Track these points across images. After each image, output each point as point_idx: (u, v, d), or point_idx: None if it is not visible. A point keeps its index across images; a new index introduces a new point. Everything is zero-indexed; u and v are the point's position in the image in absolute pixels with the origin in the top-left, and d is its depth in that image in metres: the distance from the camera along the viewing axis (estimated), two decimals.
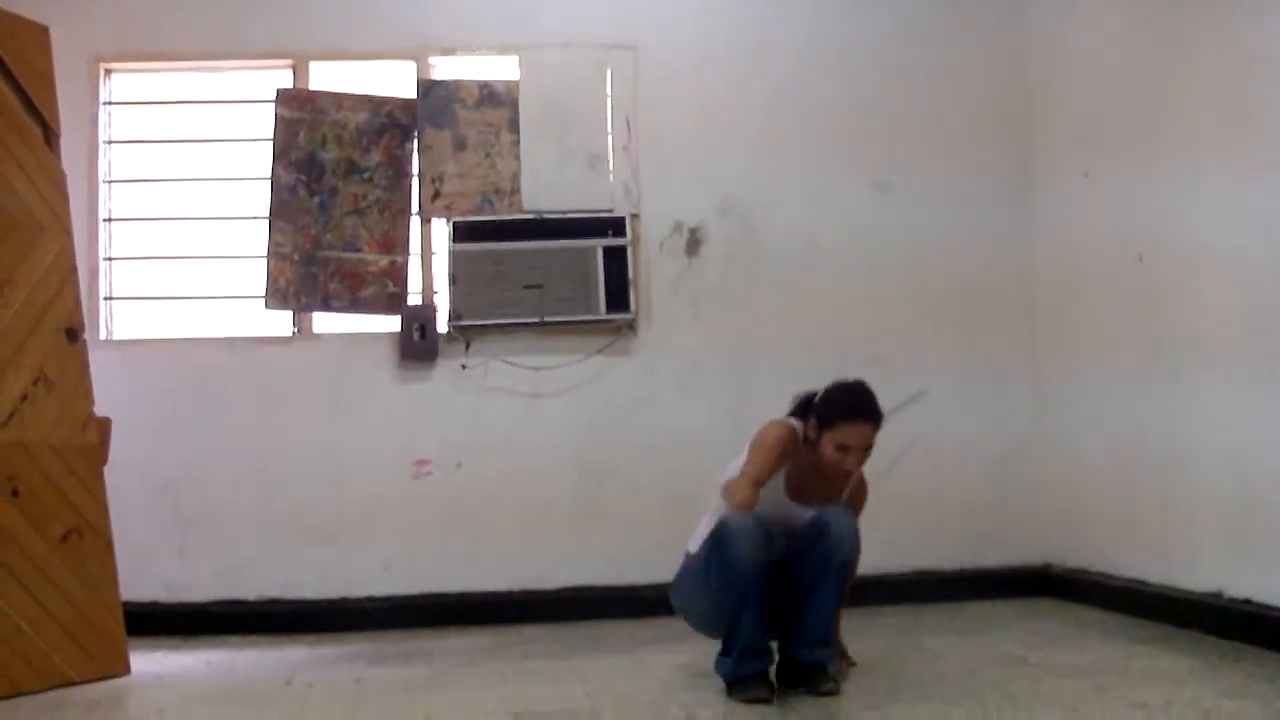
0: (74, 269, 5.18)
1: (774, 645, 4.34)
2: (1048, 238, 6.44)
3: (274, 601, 6.13)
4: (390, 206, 6.34)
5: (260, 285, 6.25)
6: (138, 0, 6.34)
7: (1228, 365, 5.04)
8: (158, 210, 6.37)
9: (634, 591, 6.17)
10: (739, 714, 4.06)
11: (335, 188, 6.30)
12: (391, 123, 6.37)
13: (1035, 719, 3.85)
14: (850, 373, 4.47)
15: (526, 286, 6.27)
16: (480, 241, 6.29)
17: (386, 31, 6.44)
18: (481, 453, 6.29)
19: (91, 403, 5.12)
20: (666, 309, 6.42)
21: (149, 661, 5.25)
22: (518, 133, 6.39)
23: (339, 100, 6.36)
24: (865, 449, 4.31)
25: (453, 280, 6.26)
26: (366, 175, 6.33)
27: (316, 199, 6.29)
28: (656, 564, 6.01)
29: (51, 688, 4.70)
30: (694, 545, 4.54)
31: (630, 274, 6.34)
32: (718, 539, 4.25)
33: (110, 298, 6.30)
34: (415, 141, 6.38)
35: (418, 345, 6.26)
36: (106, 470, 5.14)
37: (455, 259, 6.27)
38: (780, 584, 4.29)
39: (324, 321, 6.39)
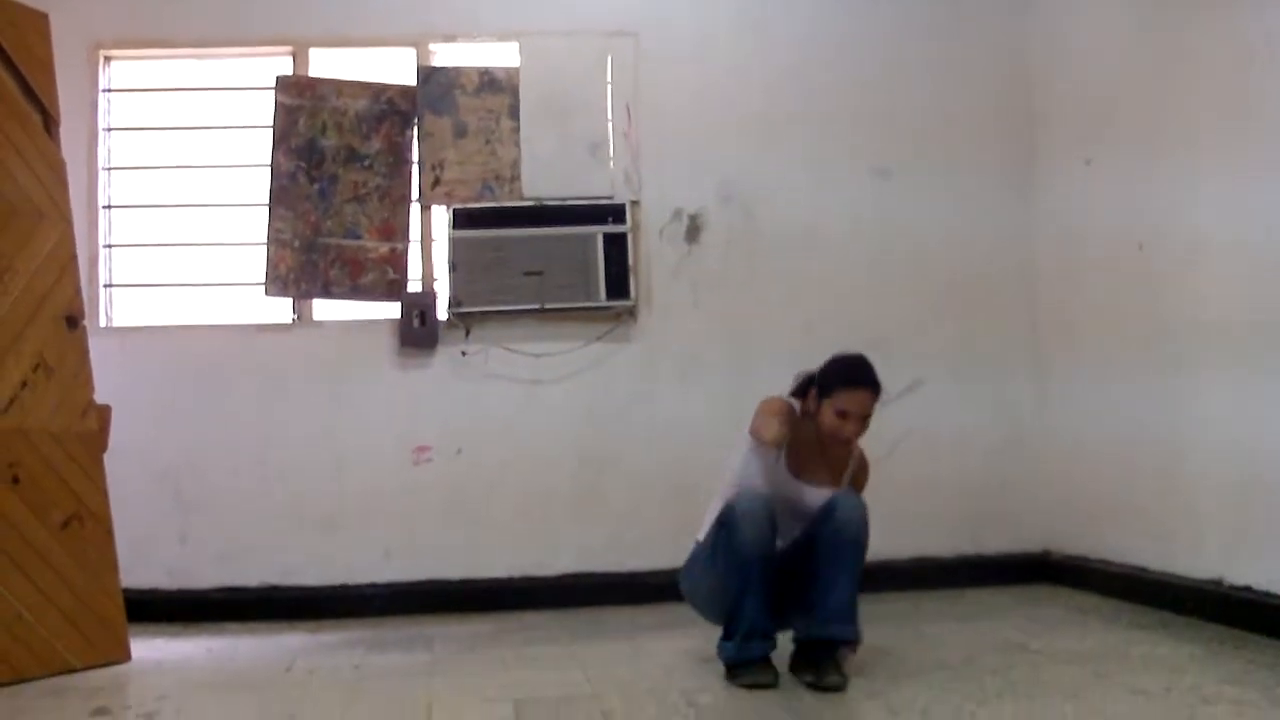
0: (74, 256, 5.18)
1: (778, 638, 4.33)
2: (1049, 226, 6.44)
3: (274, 588, 6.14)
4: (390, 193, 6.34)
5: (260, 272, 6.25)
6: None
7: (1228, 353, 5.04)
8: (157, 197, 6.36)
9: (635, 577, 6.19)
10: (740, 699, 4.07)
11: (335, 175, 6.30)
12: (391, 109, 6.37)
13: (1035, 705, 3.85)
14: None
15: (527, 273, 6.27)
16: (480, 228, 6.29)
17: (386, 18, 6.43)
18: (482, 439, 6.29)
19: (91, 390, 5.12)
20: (667, 296, 6.42)
21: (150, 648, 5.26)
22: (518, 119, 6.38)
23: (339, 87, 6.35)
24: (863, 417, 4.34)
25: (453, 267, 6.26)
26: (366, 162, 6.33)
27: (316, 186, 6.29)
28: (657, 550, 6.06)
29: (52, 674, 4.71)
30: (702, 534, 4.56)
31: (630, 261, 6.34)
32: (724, 523, 4.32)
33: (110, 285, 6.30)
34: (415, 128, 6.37)
35: (418, 332, 6.25)
36: (107, 457, 5.14)
37: (455, 246, 6.27)
38: (793, 572, 4.30)
39: (324, 308, 6.39)
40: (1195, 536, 5.27)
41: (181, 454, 6.14)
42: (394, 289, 6.29)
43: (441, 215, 6.36)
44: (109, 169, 6.32)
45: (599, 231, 6.33)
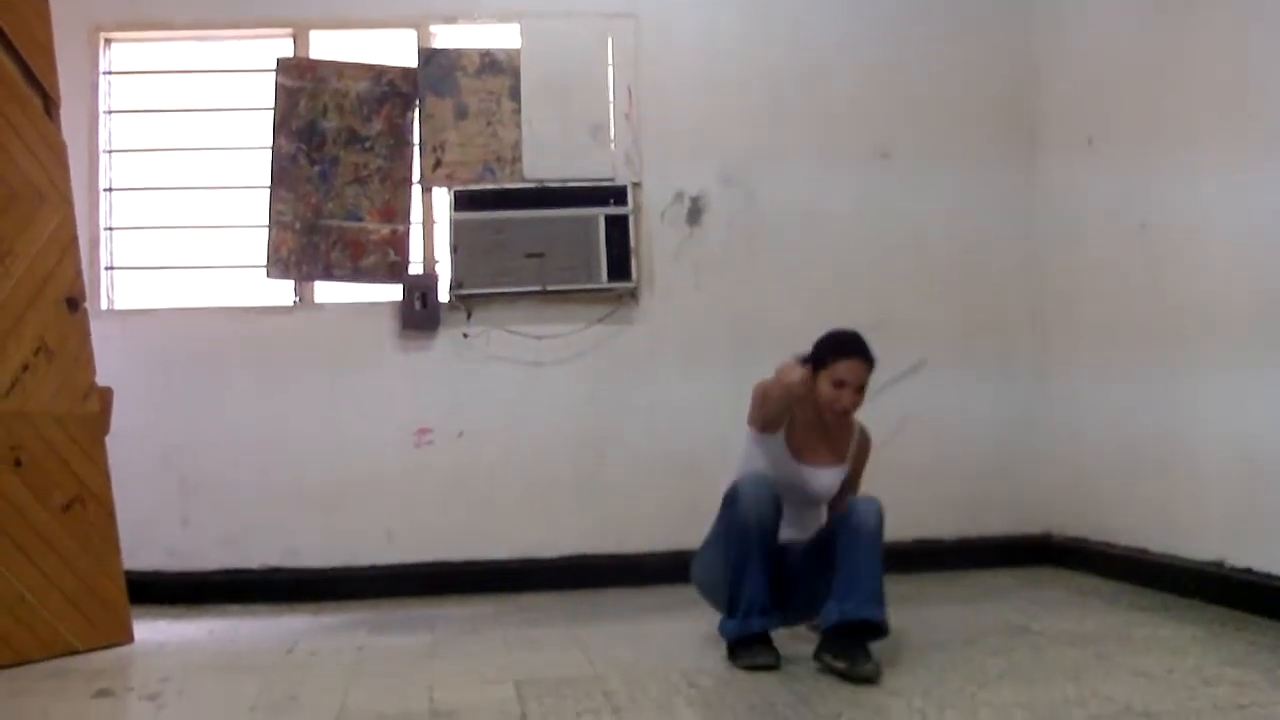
0: (74, 239, 5.18)
1: (777, 638, 4.34)
2: (1051, 206, 6.42)
3: (276, 570, 6.15)
4: (391, 175, 6.33)
5: (261, 255, 6.24)
6: None
7: (1232, 335, 5.03)
8: (158, 180, 6.35)
9: (636, 559, 6.19)
10: (741, 680, 4.07)
11: (336, 157, 6.29)
12: (392, 91, 6.36)
13: (1036, 687, 3.86)
14: None
15: (528, 255, 6.27)
16: (482, 210, 6.28)
17: (387, 0, 6.42)
18: (483, 422, 6.29)
19: (93, 372, 5.13)
20: (668, 278, 6.42)
21: (152, 630, 5.27)
22: (519, 101, 6.37)
23: (340, 69, 6.34)
24: (859, 387, 4.41)
25: (454, 249, 6.25)
26: (367, 144, 6.32)
27: (317, 168, 6.28)
28: (658, 531, 6.08)
29: (55, 656, 4.72)
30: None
31: (632, 243, 6.33)
32: (728, 500, 4.38)
33: (111, 267, 6.30)
34: (416, 110, 6.36)
35: (419, 314, 6.25)
36: (109, 440, 5.15)
37: (457, 228, 6.26)
38: (808, 574, 4.32)
39: (325, 291, 6.39)
40: (1197, 519, 5.27)
41: (183, 436, 6.15)
42: (395, 271, 6.29)
43: (443, 197, 6.35)
44: (110, 151, 6.31)
45: (600, 213, 6.32)
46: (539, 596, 5.98)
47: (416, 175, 6.36)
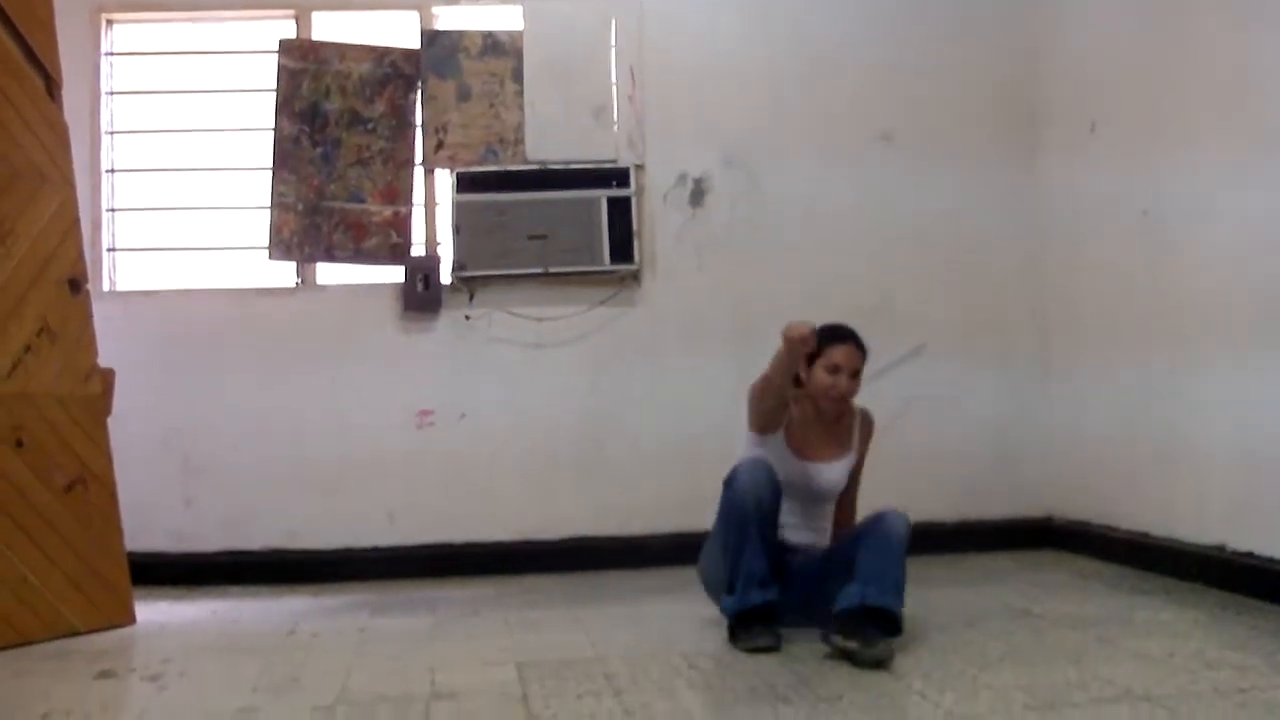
0: (76, 220, 5.17)
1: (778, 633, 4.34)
2: (1053, 192, 6.41)
3: (278, 551, 6.15)
4: (394, 157, 6.32)
5: (263, 236, 6.24)
6: None
7: (1234, 321, 5.02)
8: (160, 161, 6.34)
9: (637, 541, 6.20)
10: (742, 661, 4.08)
11: (338, 138, 6.28)
12: (395, 73, 6.34)
13: (1037, 670, 3.86)
14: (854, 323, 4.60)
15: (530, 237, 6.26)
16: (484, 192, 6.27)
17: None
18: (485, 403, 6.29)
19: (95, 354, 5.13)
20: (670, 260, 6.41)
21: (154, 611, 5.28)
22: (522, 83, 6.36)
23: (342, 50, 6.32)
24: (854, 372, 4.48)
25: (456, 231, 6.25)
26: (370, 126, 6.31)
27: (320, 150, 6.27)
28: (660, 514, 6.09)
29: (57, 637, 4.73)
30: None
31: (634, 225, 6.33)
32: (726, 485, 4.40)
33: (113, 249, 6.29)
34: (419, 92, 6.35)
35: (421, 296, 6.25)
36: (110, 421, 5.15)
37: (459, 210, 6.26)
38: (832, 573, 4.29)
39: (327, 272, 6.38)
40: (1198, 503, 5.27)
41: (185, 418, 6.15)
42: (397, 253, 6.28)
43: (445, 179, 6.34)
44: (112, 133, 6.30)
45: (603, 195, 6.31)
46: (540, 578, 5.99)
47: (419, 157, 6.35)
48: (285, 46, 6.30)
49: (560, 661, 4.15)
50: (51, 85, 5.19)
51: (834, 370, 4.44)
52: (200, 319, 6.21)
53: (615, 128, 6.42)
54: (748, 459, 4.42)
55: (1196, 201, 5.23)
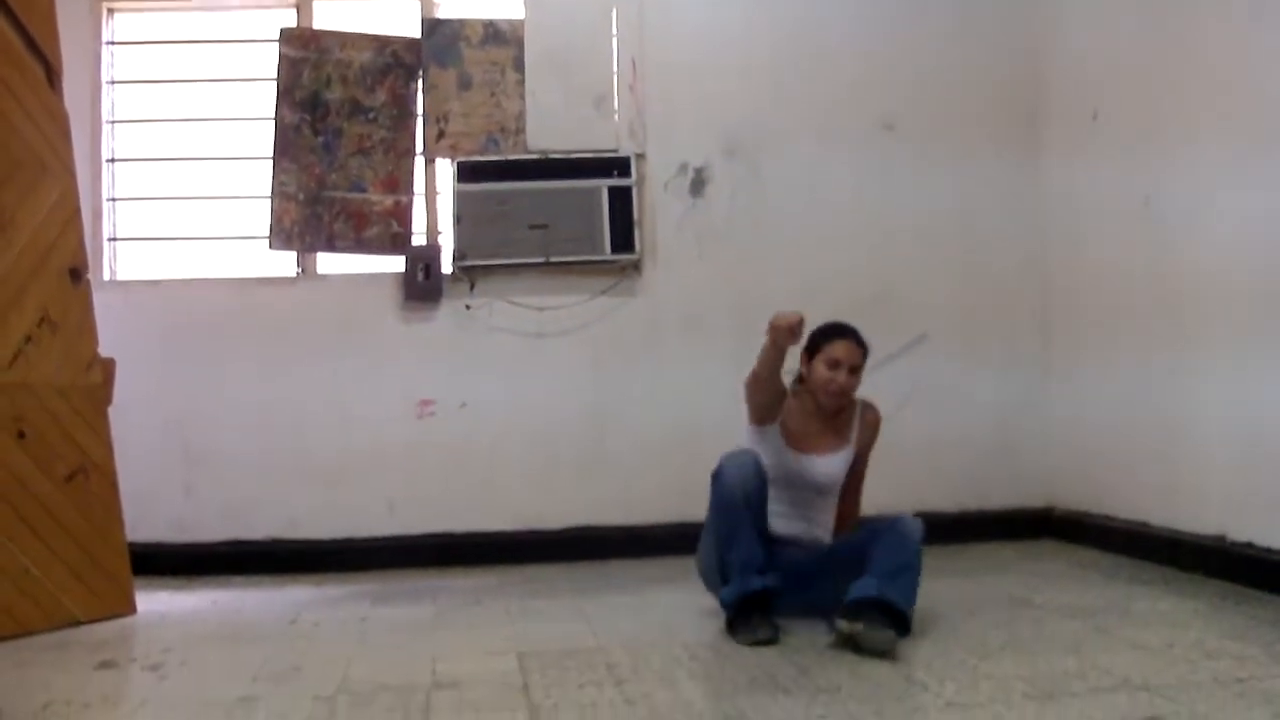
0: (77, 210, 5.17)
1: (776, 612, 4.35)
2: (1055, 182, 6.40)
3: (279, 541, 6.16)
4: (395, 146, 6.32)
5: (264, 226, 6.23)
6: None
7: (1234, 312, 5.02)
8: (161, 150, 6.35)
9: (639, 531, 6.20)
10: (742, 653, 4.08)
11: (340, 128, 6.28)
12: (396, 62, 6.34)
13: (1037, 659, 3.86)
14: (855, 314, 4.62)
15: (531, 226, 6.26)
16: (485, 181, 6.27)
17: None
18: (486, 393, 6.29)
19: (95, 343, 5.13)
20: (671, 249, 6.41)
21: (155, 601, 5.29)
22: (523, 72, 6.35)
23: (343, 39, 6.32)
24: (853, 367, 4.48)
25: (457, 220, 6.25)
26: (371, 115, 6.30)
27: (321, 139, 6.27)
28: (661, 503, 6.09)
29: (58, 627, 4.74)
30: None
31: (635, 214, 6.32)
32: (713, 476, 4.41)
33: (114, 238, 6.30)
34: (420, 81, 6.34)
35: (422, 285, 6.25)
36: (111, 411, 5.15)
37: (460, 199, 6.25)
38: (840, 568, 4.29)
39: (328, 262, 6.38)
40: (1198, 493, 5.27)
41: (186, 408, 6.16)
42: (398, 242, 6.28)
43: (446, 168, 6.34)
44: (113, 122, 6.31)
45: (604, 185, 6.30)
46: (542, 568, 5.99)
47: (420, 146, 6.34)
48: (286, 35, 6.29)
49: (562, 651, 4.16)
50: (52, 74, 5.18)
51: (834, 365, 4.45)
52: (201, 308, 6.21)
53: (616, 117, 6.41)
54: (733, 451, 4.42)
55: (1196, 196, 5.22)
